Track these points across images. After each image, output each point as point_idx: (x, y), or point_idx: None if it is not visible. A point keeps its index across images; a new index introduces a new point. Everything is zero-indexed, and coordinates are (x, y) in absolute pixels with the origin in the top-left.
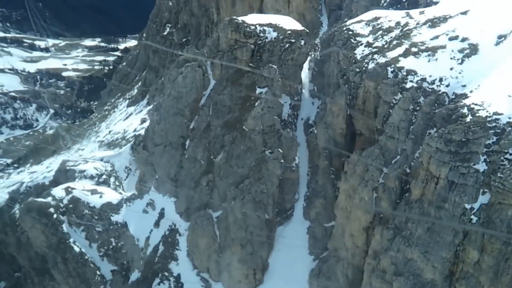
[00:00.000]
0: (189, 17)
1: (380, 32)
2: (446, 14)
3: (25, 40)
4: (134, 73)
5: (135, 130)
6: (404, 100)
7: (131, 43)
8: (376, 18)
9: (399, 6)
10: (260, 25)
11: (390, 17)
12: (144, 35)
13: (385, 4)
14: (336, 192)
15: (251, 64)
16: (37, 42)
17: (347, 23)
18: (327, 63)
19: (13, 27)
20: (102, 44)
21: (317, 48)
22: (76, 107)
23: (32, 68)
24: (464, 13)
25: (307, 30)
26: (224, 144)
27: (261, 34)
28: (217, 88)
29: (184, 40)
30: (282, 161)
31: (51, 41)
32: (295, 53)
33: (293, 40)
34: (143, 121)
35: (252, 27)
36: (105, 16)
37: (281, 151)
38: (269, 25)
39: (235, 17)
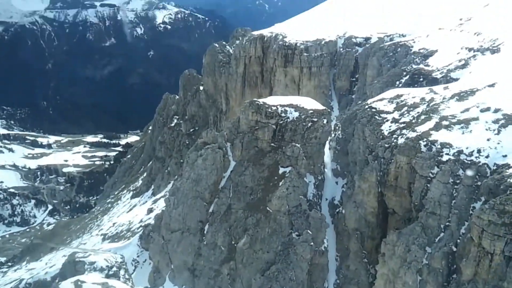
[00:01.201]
0: (197, 108)
1: (406, 108)
2: (472, 87)
3: (27, 137)
4: (139, 165)
5: (141, 221)
6: (443, 173)
7: (132, 138)
8: (398, 96)
9: (416, 85)
10: (281, 105)
11: (413, 94)
12: (150, 128)
13: (400, 85)
14: (371, 277)
15: (273, 144)
16: (39, 139)
17: (368, 101)
18: (351, 140)
19: (16, 124)
20: (104, 140)
21: (337, 128)
22: (75, 203)
23: (33, 164)
24: (492, 85)
25: (329, 110)
26: (247, 228)
27: (283, 114)
28: (238, 169)
29: (191, 130)
30: (312, 243)
31: (53, 138)
32: (318, 132)
33: (315, 119)
34: (149, 211)
35: (274, 108)
36: (107, 113)
37: (310, 232)
38: (290, 105)
39: (255, 99)
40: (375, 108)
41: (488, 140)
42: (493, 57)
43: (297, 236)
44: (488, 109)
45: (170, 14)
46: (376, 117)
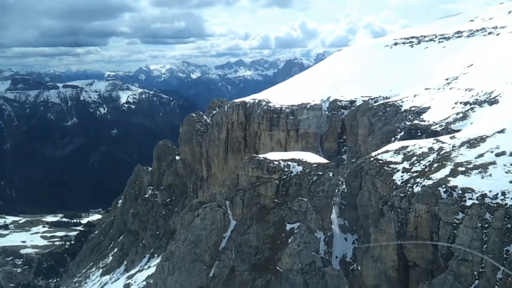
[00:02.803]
0: (174, 178)
1: (415, 158)
2: (481, 135)
3: None
4: (108, 241)
5: None
6: (470, 218)
7: (94, 217)
8: (404, 147)
9: (414, 139)
10: (283, 160)
11: (419, 144)
12: (120, 201)
13: (395, 141)
14: None
15: (276, 200)
16: None
17: (373, 154)
18: (360, 193)
19: None
20: (64, 219)
21: (340, 182)
22: (33, 286)
23: None
24: (501, 131)
25: (333, 163)
26: None
27: (286, 169)
28: (240, 228)
29: (168, 200)
30: None
31: (10, 218)
32: (325, 185)
33: (320, 173)
34: (126, 286)
35: (276, 163)
36: (68, 192)
37: None
38: (292, 160)
39: (255, 155)
40: (382, 160)
41: (510, 182)
42: (493, 108)
43: None
44: (503, 153)
45: (134, 94)
46: (385, 168)
